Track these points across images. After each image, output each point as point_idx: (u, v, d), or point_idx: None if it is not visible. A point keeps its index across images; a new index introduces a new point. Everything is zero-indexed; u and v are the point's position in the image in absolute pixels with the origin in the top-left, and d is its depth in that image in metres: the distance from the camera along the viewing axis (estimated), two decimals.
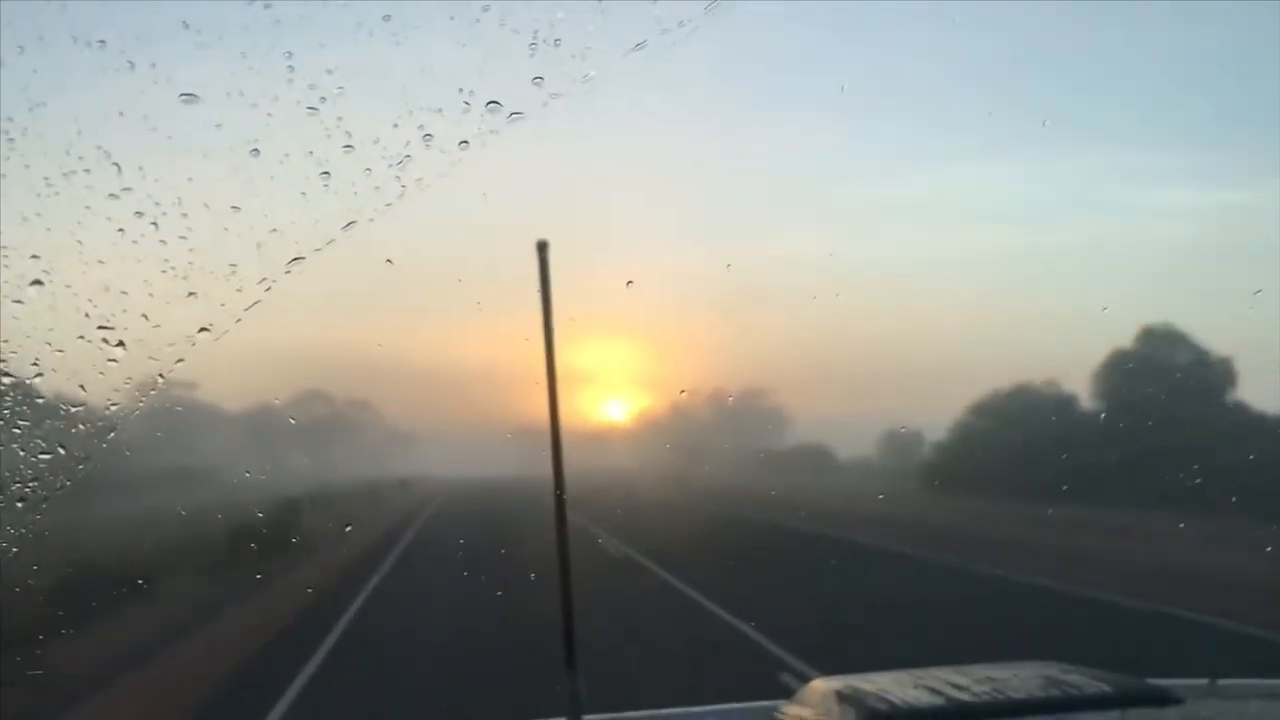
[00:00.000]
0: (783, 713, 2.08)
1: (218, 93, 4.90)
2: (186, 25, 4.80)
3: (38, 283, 4.66)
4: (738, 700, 2.79)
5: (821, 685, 2.07)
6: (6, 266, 4.45)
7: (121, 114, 5.23)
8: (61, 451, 4.14)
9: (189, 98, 4.80)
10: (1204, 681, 2.23)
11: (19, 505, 4.03)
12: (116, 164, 4.99)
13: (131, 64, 4.84)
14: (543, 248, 2.26)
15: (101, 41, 4.87)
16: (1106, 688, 1.91)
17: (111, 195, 4.93)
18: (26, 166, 4.91)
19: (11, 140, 4.77)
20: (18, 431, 4.16)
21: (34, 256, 4.77)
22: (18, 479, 4.03)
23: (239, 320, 4.72)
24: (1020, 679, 2.01)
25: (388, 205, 4.64)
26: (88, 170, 4.98)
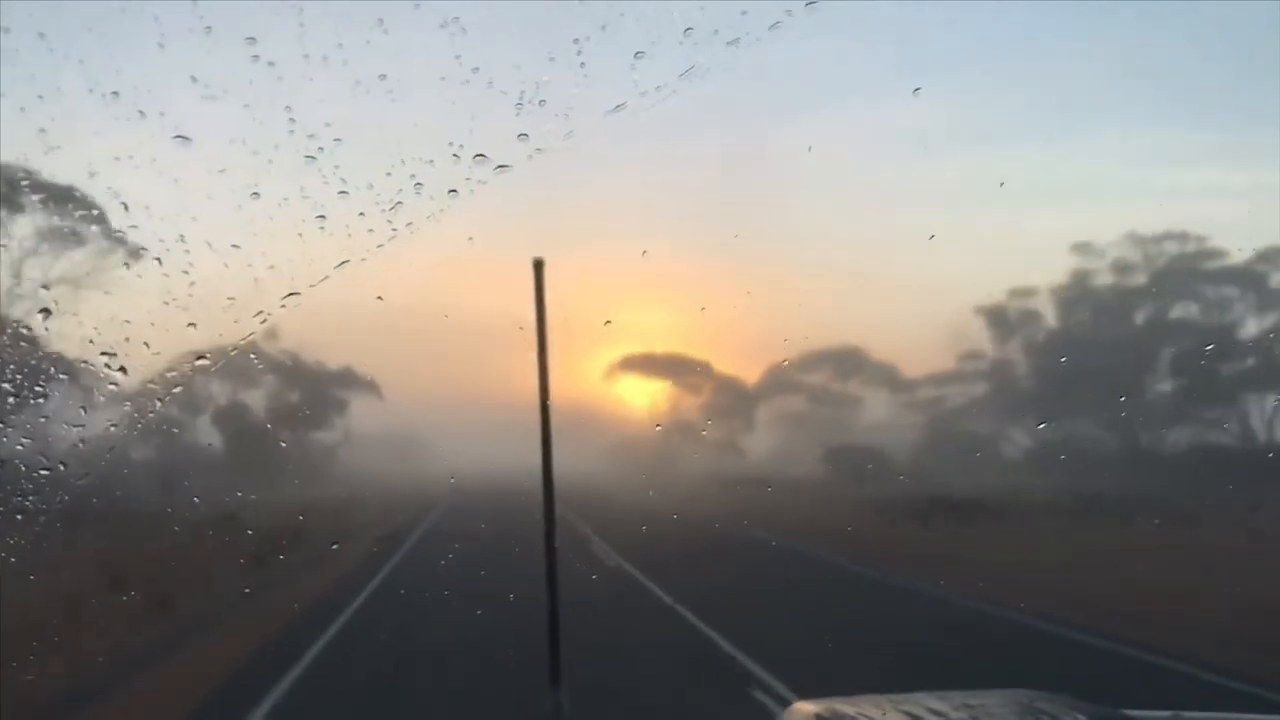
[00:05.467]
0: None
1: (221, 140, 5.27)
2: (194, 79, 5.16)
3: (46, 311, 4.97)
4: None
5: (803, 708, 2.10)
6: (19, 296, 4.75)
7: (132, 158, 5.58)
8: (62, 468, 4.39)
9: (182, 140, 5.14)
10: (1173, 714, 2.28)
11: (18, 518, 4.27)
12: (124, 204, 5.34)
13: (142, 113, 5.20)
14: (539, 265, 2.29)
15: (115, 93, 5.24)
16: (1081, 717, 1.98)
17: (118, 233, 5.23)
18: (42, 205, 5.24)
19: (28, 181, 5.11)
20: (20, 449, 4.42)
21: (44, 287, 5.08)
22: (18, 493, 4.28)
23: (234, 351, 5.01)
24: (998, 706, 2.06)
25: (379, 246, 4.96)
26: (98, 209, 5.29)
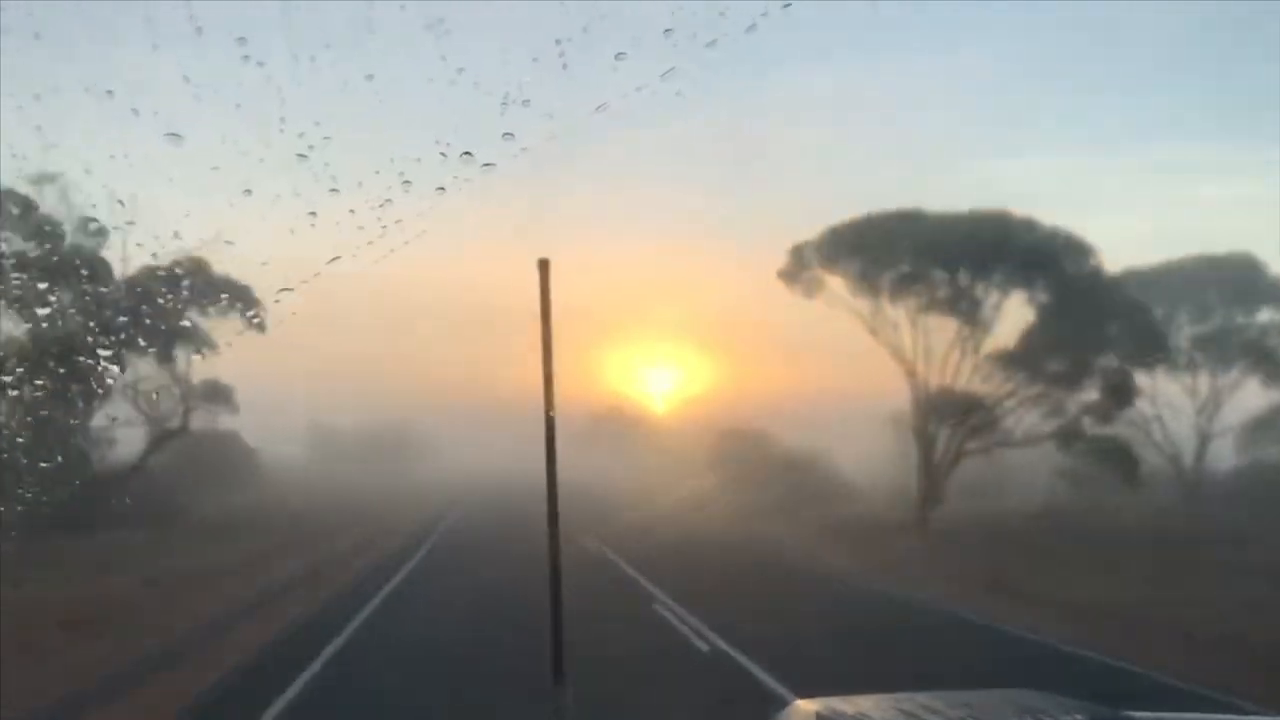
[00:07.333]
0: None
1: (213, 138, 5.38)
2: (187, 79, 5.27)
3: (46, 305, 5.09)
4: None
5: (803, 706, 2.11)
6: (17, 290, 4.87)
7: (126, 156, 5.70)
8: (61, 460, 4.52)
9: (175, 138, 5.25)
10: (1175, 715, 2.30)
11: (19, 509, 4.41)
12: (121, 201, 5.45)
13: (135, 111, 5.31)
14: (543, 265, 2.26)
15: (109, 91, 5.34)
16: (1079, 716, 1.97)
17: (116, 229, 5.37)
18: (38, 201, 5.37)
19: (23, 176, 5.23)
20: (21, 441, 4.56)
21: (42, 283, 5.21)
22: (20, 485, 4.41)
23: (229, 344, 5.14)
24: (995, 705, 2.06)
25: (369, 243, 5.08)
26: (94, 205, 5.43)
